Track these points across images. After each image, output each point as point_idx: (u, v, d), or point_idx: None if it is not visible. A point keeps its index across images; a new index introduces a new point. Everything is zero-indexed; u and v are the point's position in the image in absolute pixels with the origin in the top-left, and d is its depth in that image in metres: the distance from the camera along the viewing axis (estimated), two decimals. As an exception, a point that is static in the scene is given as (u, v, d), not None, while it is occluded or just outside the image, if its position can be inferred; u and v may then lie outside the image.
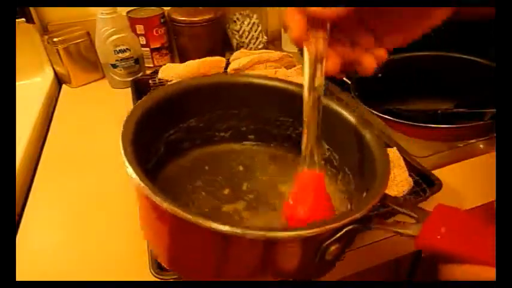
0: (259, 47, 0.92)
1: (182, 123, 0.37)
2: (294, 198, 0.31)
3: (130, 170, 0.27)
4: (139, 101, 0.34)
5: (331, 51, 0.31)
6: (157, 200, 0.24)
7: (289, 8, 0.31)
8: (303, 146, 0.32)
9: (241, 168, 0.40)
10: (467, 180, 0.52)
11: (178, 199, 0.36)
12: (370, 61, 0.33)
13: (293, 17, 0.30)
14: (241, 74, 0.38)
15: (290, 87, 0.36)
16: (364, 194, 0.29)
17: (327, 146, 0.36)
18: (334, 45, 0.32)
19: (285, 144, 0.40)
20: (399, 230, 0.29)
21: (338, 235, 0.27)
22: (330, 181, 0.37)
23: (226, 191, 0.39)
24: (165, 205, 0.24)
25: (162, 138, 0.37)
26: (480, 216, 0.30)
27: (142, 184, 0.25)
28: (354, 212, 0.27)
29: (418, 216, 0.30)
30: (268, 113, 0.39)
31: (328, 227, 0.25)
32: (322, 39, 0.30)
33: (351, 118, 0.35)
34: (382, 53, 0.33)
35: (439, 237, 0.28)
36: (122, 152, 0.29)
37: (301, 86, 0.32)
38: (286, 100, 0.36)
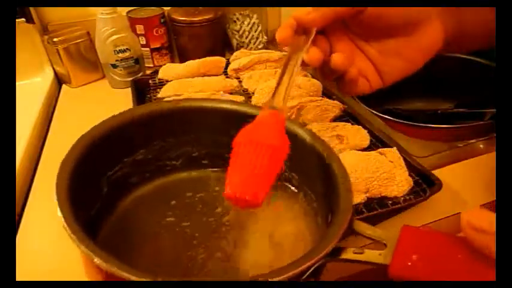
0: (259, 47, 0.92)
1: (127, 157, 0.35)
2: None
3: (64, 224, 0.26)
4: (78, 139, 0.31)
5: (316, 48, 0.35)
6: (97, 261, 0.23)
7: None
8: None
9: (197, 197, 0.37)
10: (467, 180, 0.52)
11: (129, 245, 0.33)
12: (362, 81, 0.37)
13: (282, 27, 0.35)
14: (188, 99, 0.36)
15: (242, 108, 0.35)
16: (330, 218, 0.28)
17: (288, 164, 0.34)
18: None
19: None
20: (370, 261, 0.28)
21: (304, 276, 0.26)
22: (293, 200, 0.34)
23: (184, 224, 0.35)
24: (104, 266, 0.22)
25: (106, 177, 0.34)
26: (449, 239, 0.28)
27: (79, 244, 0.24)
28: (321, 250, 0.25)
29: (386, 241, 0.29)
30: (220, 137, 0.35)
31: (289, 274, 0.24)
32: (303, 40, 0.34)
33: (307, 137, 0.33)
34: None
35: (410, 264, 0.27)
36: (56, 201, 0.27)
37: (253, 106, 0.33)
38: (238, 122, 0.32)
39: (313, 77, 0.70)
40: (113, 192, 0.34)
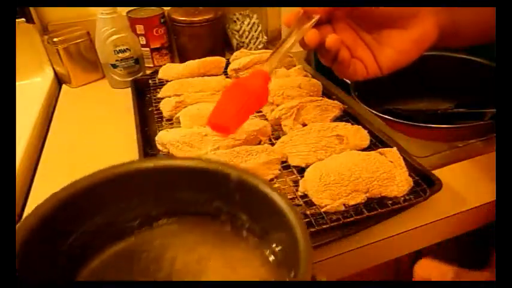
0: (259, 47, 0.92)
1: (81, 227, 0.33)
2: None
3: None
4: (26, 217, 0.30)
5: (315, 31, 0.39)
6: None
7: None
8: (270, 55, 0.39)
9: (163, 260, 0.35)
10: (467, 180, 0.52)
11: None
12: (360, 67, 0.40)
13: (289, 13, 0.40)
14: (144, 160, 0.35)
15: (200, 164, 0.33)
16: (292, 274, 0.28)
17: (245, 217, 0.34)
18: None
19: (202, 218, 0.37)
20: None
21: None
22: (257, 248, 0.34)
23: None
24: None
25: (60, 250, 0.32)
26: None
27: None
28: None
29: None
30: (179, 193, 0.35)
31: None
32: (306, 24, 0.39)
33: (267, 190, 0.31)
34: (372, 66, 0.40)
35: None
36: None
37: (203, 161, 0.33)
38: (198, 177, 0.34)
39: (313, 77, 0.70)
40: (69, 264, 0.32)
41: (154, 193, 0.35)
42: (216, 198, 0.34)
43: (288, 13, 0.40)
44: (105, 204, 0.34)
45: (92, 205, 0.34)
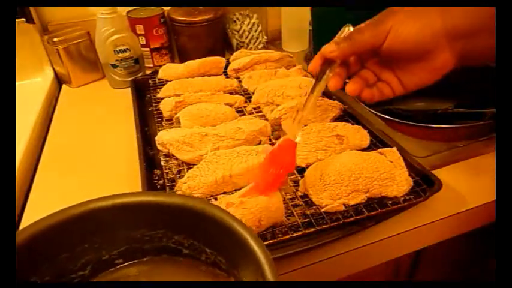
0: (259, 47, 0.92)
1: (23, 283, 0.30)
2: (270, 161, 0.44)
3: None
4: None
5: (338, 76, 0.44)
6: None
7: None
8: (294, 117, 0.44)
9: None
10: (467, 180, 0.52)
11: None
12: (370, 93, 0.44)
13: (314, 58, 0.44)
14: (86, 202, 0.32)
15: (152, 198, 0.32)
16: None
17: (209, 250, 0.33)
18: (356, 77, 0.44)
19: (162, 255, 0.35)
20: None
21: None
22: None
23: None
24: None
25: None
26: None
27: None
28: None
29: None
30: (132, 232, 0.33)
31: None
32: (330, 68, 0.43)
33: (232, 223, 0.30)
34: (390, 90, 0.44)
35: None
36: None
37: (162, 194, 0.33)
38: (152, 213, 0.32)
39: (313, 77, 0.70)
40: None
41: (106, 235, 0.32)
42: (175, 233, 0.33)
43: (312, 61, 0.44)
44: (49, 255, 0.31)
45: (36, 257, 0.30)
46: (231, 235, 0.29)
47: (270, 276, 0.25)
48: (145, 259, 0.35)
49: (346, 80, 0.45)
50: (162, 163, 0.54)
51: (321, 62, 0.44)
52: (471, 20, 0.37)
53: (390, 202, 0.46)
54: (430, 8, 0.38)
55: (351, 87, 0.43)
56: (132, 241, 0.34)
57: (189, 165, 0.52)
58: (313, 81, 0.44)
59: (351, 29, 0.43)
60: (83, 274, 0.33)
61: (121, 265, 0.35)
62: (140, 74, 0.81)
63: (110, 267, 0.34)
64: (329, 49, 0.42)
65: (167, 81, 0.73)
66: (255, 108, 0.65)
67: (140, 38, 0.84)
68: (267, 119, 0.61)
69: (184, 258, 0.34)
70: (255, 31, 0.90)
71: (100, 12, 0.74)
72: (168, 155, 0.55)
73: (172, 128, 0.60)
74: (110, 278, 0.34)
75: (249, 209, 0.41)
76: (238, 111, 0.63)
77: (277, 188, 0.43)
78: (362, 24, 0.41)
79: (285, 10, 0.91)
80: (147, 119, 0.67)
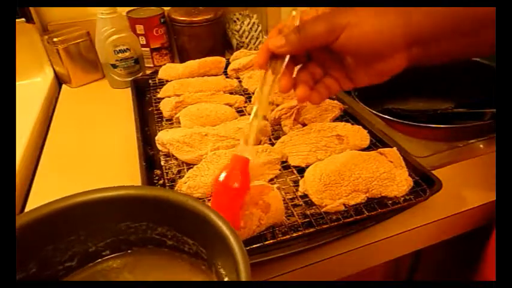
0: (259, 47, 0.92)
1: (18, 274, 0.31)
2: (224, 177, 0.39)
3: None
4: None
5: (288, 74, 0.40)
6: None
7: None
8: (245, 133, 0.39)
9: None
10: (467, 180, 0.52)
11: None
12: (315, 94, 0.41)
13: (260, 51, 0.40)
14: (72, 196, 0.33)
15: (135, 192, 0.33)
16: None
17: (191, 241, 0.34)
18: (304, 73, 0.41)
19: (148, 246, 0.36)
20: None
21: None
22: (205, 272, 0.34)
23: None
24: None
25: None
26: None
27: None
28: None
29: None
30: (117, 224, 0.34)
31: None
32: (278, 64, 0.39)
33: (213, 216, 0.31)
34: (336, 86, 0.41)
35: None
36: None
37: (144, 187, 0.34)
38: (136, 206, 0.33)
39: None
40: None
41: (92, 228, 0.33)
42: (158, 225, 0.34)
43: (258, 54, 0.40)
44: (36, 247, 0.32)
45: (23, 251, 0.31)
46: (211, 228, 0.30)
47: (243, 276, 0.26)
48: (130, 251, 0.36)
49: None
50: (162, 163, 0.54)
51: (268, 56, 0.39)
52: (431, 24, 0.35)
53: (390, 202, 0.46)
54: (392, 9, 0.36)
55: (301, 91, 0.40)
56: (117, 233, 0.35)
57: (189, 165, 0.52)
58: (258, 86, 0.40)
59: (294, 13, 0.39)
60: (70, 265, 0.34)
61: (107, 256, 0.36)
62: (140, 74, 0.81)
63: (97, 259, 0.35)
64: (277, 43, 0.38)
65: (167, 81, 0.73)
66: (255, 108, 0.65)
67: (140, 38, 0.84)
68: (267, 119, 0.61)
69: (168, 249, 0.35)
70: (255, 31, 0.90)
71: (100, 12, 0.74)
72: (168, 155, 0.55)
73: (172, 128, 0.60)
74: (96, 269, 0.35)
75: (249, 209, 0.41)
76: (238, 111, 0.63)
77: (238, 217, 0.39)
78: (315, 15, 0.38)
79: (285, 10, 0.91)
80: (147, 119, 0.67)
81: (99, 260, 0.35)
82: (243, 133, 0.41)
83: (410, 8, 0.35)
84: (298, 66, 0.42)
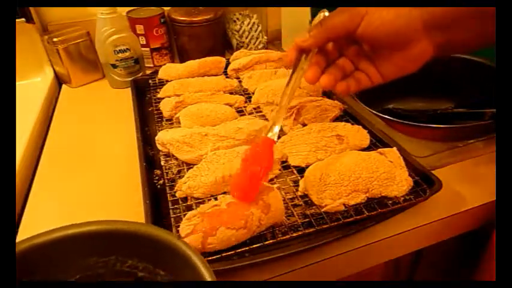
0: (259, 47, 0.92)
1: None
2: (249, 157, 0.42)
3: None
4: None
5: (315, 67, 0.43)
6: None
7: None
8: (270, 120, 0.44)
9: None
10: (467, 180, 0.52)
11: None
12: (343, 86, 0.43)
13: (290, 49, 0.43)
14: (34, 237, 0.32)
15: (97, 227, 0.32)
16: None
17: (163, 272, 0.34)
18: (333, 66, 0.43)
19: (119, 278, 0.35)
20: None
21: None
22: None
23: None
24: None
25: None
26: None
27: None
28: None
29: None
30: (85, 260, 0.34)
31: None
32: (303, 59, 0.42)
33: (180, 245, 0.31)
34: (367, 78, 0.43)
35: None
36: None
37: (105, 222, 0.33)
38: (101, 241, 0.33)
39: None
40: None
41: (60, 265, 0.33)
42: (128, 258, 0.33)
43: (287, 53, 0.43)
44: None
45: None
46: (180, 257, 0.30)
47: None
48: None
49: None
50: (162, 163, 0.54)
51: (296, 53, 0.42)
52: (449, 11, 0.36)
53: (390, 202, 0.46)
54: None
55: (325, 80, 0.42)
56: (86, 269, 0.34)
57: (189, 165, 0.52)
58: (288, 77, 0.43)
59: (327, 14, 0.41)
60: None
61: None
62: (140, 74, 0.81)
63: None
64: (301, 38, 0.40)
65: (167, 81, 0.73)
66: (255, 108, 0.65)
67: (140, 38, 0.84)
68: (267, 119, 0.61)
69: (140, 281, 0.34)
70: (255, 31, 0.90)
71: (100, 12, 0.74)
72: (168, 155, 0.55)
73: (172, 128, 0.60)
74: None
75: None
76: (238, 111, 0.63)
77: (256, 191, 0.41)
78: (338, 9, 0.40)
79: (285, 10, 0.91)
80: (147, 119, 0.67)
81: None
82: (272, 117, 0.44)
83: None
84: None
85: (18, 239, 0.47)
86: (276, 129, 0.43)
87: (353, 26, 0.38)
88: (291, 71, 0.43)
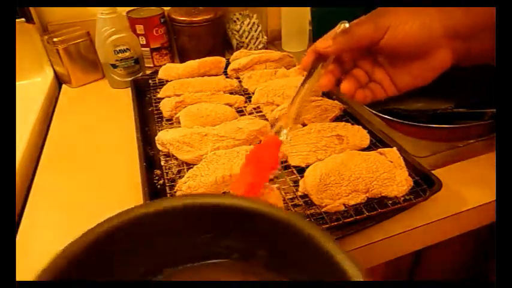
0: (259, 47, 0.92)
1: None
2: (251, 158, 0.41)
3: None
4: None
5: (330, 75, 0.43)
6: None
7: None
8: (283, 119, 0.43)
9: None
10: (467, 180, 0.52)
11: None
12: (363, 95, 0.43)
13: (307, 54, 0.43)
14: (139, 207, 0.29)
15: (198, 200, 0.30)
16: None
17: (263, 252, 0.31)
18: (349, 75, 0.44)
19: (212, 259, 0.33)
20: None
21: None
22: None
23: None
24: None
25: None
26: None
27: None
28: None
29: None
30: (196, 237, 0.31)
31: None
32: (322, 66, 0.42)
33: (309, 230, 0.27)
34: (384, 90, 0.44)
35: None
36: None
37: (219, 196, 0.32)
38: (200, 216, 0.30)
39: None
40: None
41: (154, 241, 0.31)
42: (224, 237, 0.31)
43: (304, 58, 0.43)
44: (110, 261, 0.29)
45: (98, 263, 0.29)
46: (298, 237, 0.26)
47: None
48: (195, 264, 0.33)
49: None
50: (162, 163, 0.54)
51: (313, 57, 0.42)
52: (470, 20, 0.37)
53: (390, 202, 0.46)
54: (430, 8, 0.38)
55: (346, 86, 0.42)
56: (178, 248, 0.32)
57: (189, 165, 0.52)
58: (302, 80, 0.43)
59: (347, 25, 0.42)
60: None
61: (171, 273, 0.32)
62: (140, 74, 0.81)
63: (158, 274, 0.32)
64: (324, 44, 0.40)
65: (167, 81, 0.72)
66: (255, 108, 0.65)
67: (140, 38, 0.84)
68: (267, 119, 0.61)
69: (234, 261, 0.32)
70: (255, 31, 0.90)
71: (100, 12, 0.74)
72: (168, 155, 0.55)
73: (172, 128, 0.60)
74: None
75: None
76: (238, 111, 0.63)
77: (259, 189, 0.40)
78: (360, 19, 0.40)
79: (285, 10, 0.91)
80: (147, 119, 0.67)
81: (161, 276, 0.32)
82: (283, 117, 0.44)
83: (448, 7, 0.38)
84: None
85: (18, 238, 0.47)
86: (284, 132, 0.43)
87: (378, 37, 0.39)
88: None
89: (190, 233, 0.31)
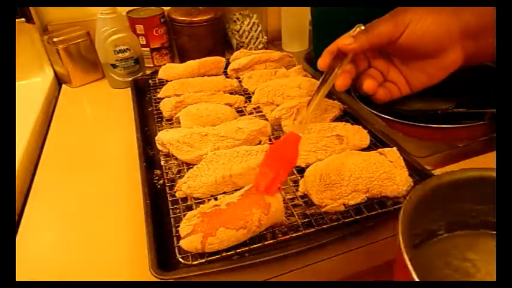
0: (259, 47, 0.92)
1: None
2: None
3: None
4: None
5: (346, 76, 0.44)
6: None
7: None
8: (301, 115, 0.44)
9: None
10: (467, 180, 0.52)
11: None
12: (382, 93, 0.45)
13: (323, 54, 0.44)
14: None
15: (485, 173, 0.35)
16: None
17: None
18: (366, 74, 0.45)
19: (481, 230, 0.38)
20: None
21: None
22: None
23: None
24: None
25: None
26: None
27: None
28: None
29: None
30: (461, 204, 0.37)
31: None
32: (339, 67, 0.43)
33: None
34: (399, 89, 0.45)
35: None
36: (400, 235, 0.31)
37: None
38: (481, 189, 0.35)
39: (313, 77, 0.70)
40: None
41: (442, 206, 0.36)
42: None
43: (323, 56, 0.44)
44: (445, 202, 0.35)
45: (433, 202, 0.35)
46: None
47: None
48: (464, 232, 0.37)
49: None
50: (162, 163, 0.54)
51: (331, 57, 0.43)
52: (480, 18, 0.38)
53: (390, 202, 0.46)
54: (443, 9, 0.39)
55: (370, 84, 0.43)
56: (455, 214, 0.36)
57: (189, 165, 0.52)
58: (320, 79, 0.44)
59: (363, 27, 0.43)
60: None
61: (445, 237, 0.37)
62: (140, 74, 0.81)
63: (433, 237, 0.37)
64: (346, 41, 0.41)
65: (167, 81, 0.73)
66: (255, 108, 0.65)
67: (140, 38, 0.84)
68: (267, 119, 0.61)
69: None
70: (255, 31, 0.90)
71: (100, 12, 0.74)
72: (168, 155, 0.55)
73: (172, 128, 0.60)
74: (435, 246, 0.37)
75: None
76: (238, 111, 0.63)
77: (278, 185, 0.42)
78: (379, 18, 0.41)
79: (285, 10, 0.91)
80: (147, 119, 0.67)
81: (434, 239, 0.37)
82: (299, 114, 0.47)
83: (459, 8, 0.39)
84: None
85: (18, 238, 0.47)
86: (304, 125, 0.44)
87: (397, 34, 0.40)
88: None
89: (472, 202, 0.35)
